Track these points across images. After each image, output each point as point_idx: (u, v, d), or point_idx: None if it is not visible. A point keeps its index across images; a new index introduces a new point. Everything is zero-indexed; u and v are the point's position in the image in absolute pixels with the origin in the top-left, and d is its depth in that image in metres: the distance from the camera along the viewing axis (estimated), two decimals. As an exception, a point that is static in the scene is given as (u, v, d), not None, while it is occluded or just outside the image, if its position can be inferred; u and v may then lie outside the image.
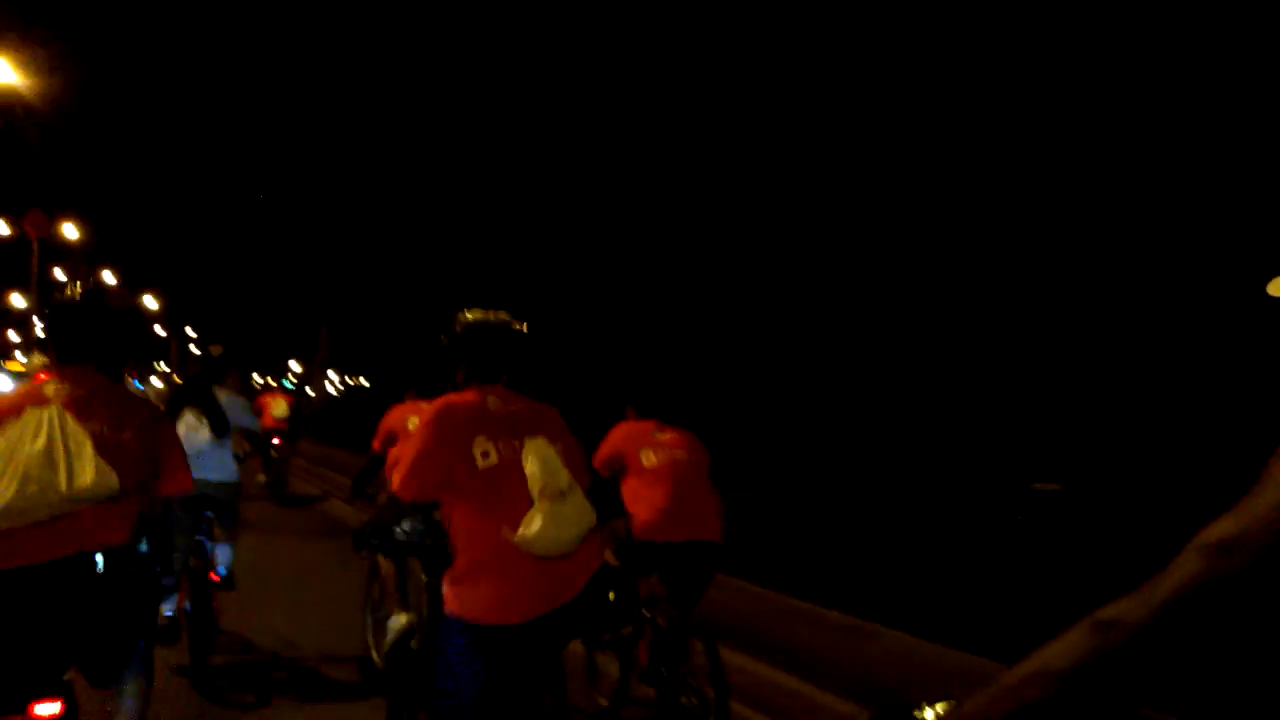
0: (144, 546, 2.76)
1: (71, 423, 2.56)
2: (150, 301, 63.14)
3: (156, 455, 2.81)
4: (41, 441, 2.47)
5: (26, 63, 18.13)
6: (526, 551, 2.65)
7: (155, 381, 22.64)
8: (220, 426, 5.38)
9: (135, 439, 2.72)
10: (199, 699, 4.90)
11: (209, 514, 5.40)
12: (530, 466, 2.71)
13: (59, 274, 43.53)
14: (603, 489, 4.41)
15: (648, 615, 4.36)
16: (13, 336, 45.59)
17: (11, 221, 32.94)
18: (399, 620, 3.58)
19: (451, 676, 2.69)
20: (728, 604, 6.47)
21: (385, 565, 4.90)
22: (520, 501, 2.68)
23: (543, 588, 2.69)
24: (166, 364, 73.62)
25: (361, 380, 74.54)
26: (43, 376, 2.78)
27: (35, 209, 33.66)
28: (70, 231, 34.93)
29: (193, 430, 5.29)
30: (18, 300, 40.13)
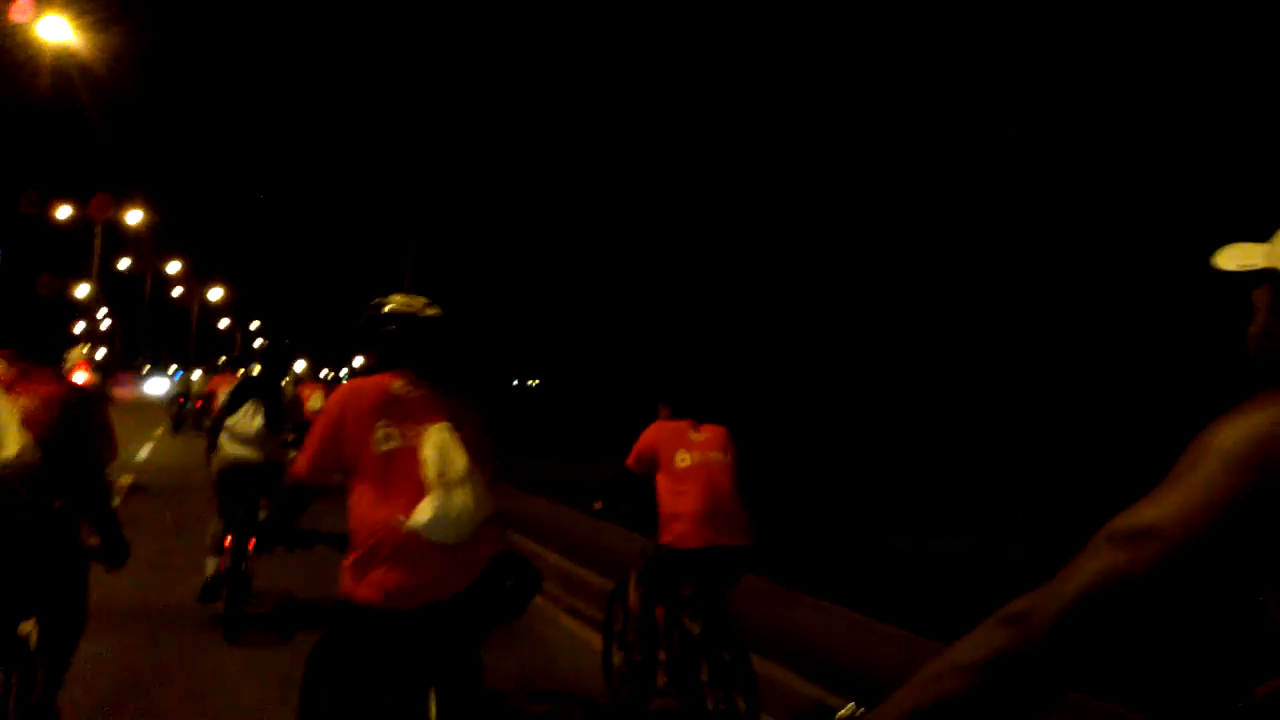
0: (59, 505, 3.00)
1: (2, 398, 2.84)
2: (216, 292, 64.14)
3: (85, 431, 3.05)
4: None
5: (88, 24, 17.62)
6: (420, 538, 2.64)
7: (197, 373, 23.91)
8: (276, 421, 5.95)
9: (60, 416, 2.95)
10: (232, 645, 5.51)
11: (254, 490, 5.96)
12: (427, 452, 2.71)
13: (123, 263, 44.04)
14: (634, 487, 4.52)
15: (680, 621, 4.45)
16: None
17: (76, 205, 33.17)
18: None
19: (339, 659, 2.74)
20: (759, 609, 6.21)
21: None
22: (415, 487, 2.68)
23: (435, 575, 2.67)
24: (229, 356, 74.56)
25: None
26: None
27: (101, 193, 33.92)
28: (134, 218, 35.02)
29: (247, 417, 5.89)
30: (83, 290, 40.09)
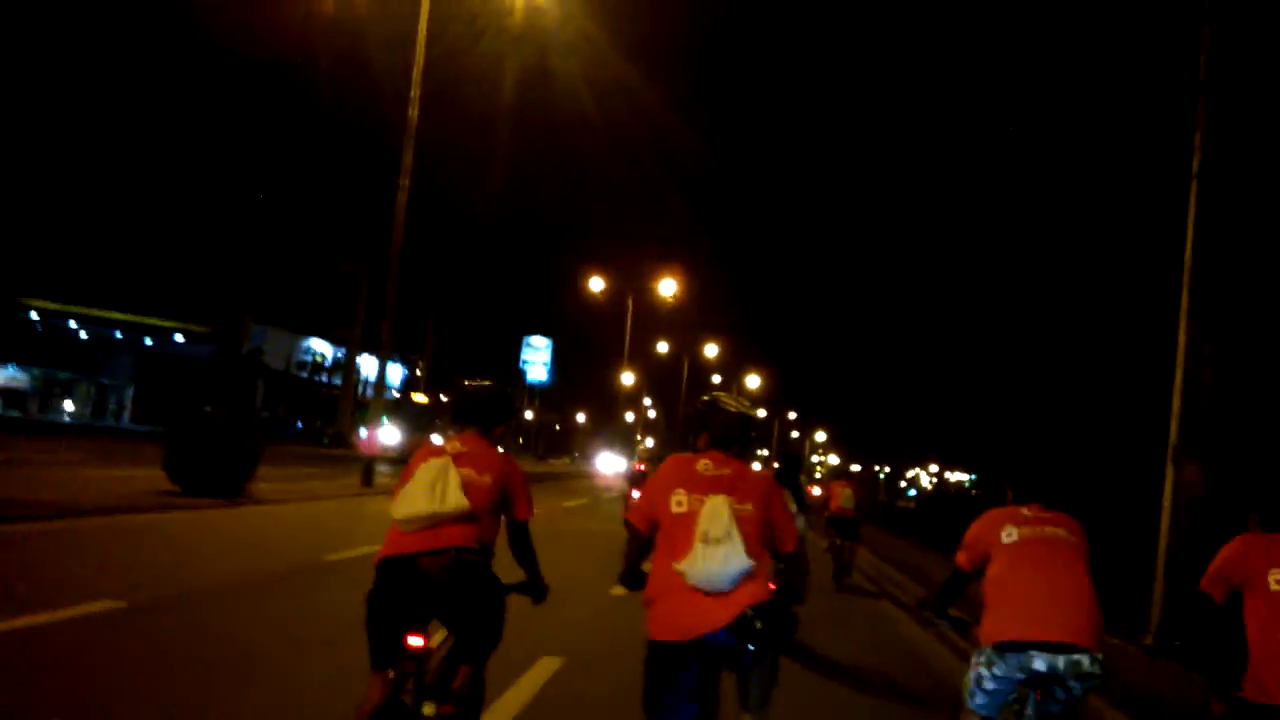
0: (479, 550, 3.87)
1: (451, 468, 3.84)
2: (753, 381, 64.26)
3: (509, 492, 4.02)
4: (431, 477, 3.78)
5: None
6: (689, 583, 3.33)
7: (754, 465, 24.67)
8: (802, 505, 8.93)
9: (492, 481, 3.95)
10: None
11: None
12: (701, 516, 3.40)
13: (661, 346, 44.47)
14: (1208, 619, 3.73)
15: None
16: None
17: (615, 284, 33.07)
18: None
19: (647, 678, 3.45)
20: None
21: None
22: (690, 543, 3.37)
23: (697, 613, 3.32)
24: (767, 445, 74.81)
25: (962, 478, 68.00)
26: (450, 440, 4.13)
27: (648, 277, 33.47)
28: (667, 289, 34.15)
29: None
30: (627, 378, 40.66)
